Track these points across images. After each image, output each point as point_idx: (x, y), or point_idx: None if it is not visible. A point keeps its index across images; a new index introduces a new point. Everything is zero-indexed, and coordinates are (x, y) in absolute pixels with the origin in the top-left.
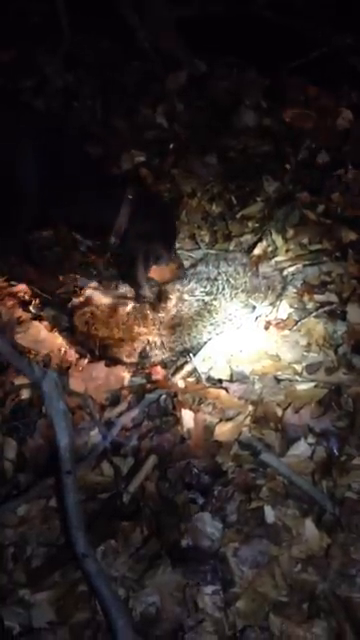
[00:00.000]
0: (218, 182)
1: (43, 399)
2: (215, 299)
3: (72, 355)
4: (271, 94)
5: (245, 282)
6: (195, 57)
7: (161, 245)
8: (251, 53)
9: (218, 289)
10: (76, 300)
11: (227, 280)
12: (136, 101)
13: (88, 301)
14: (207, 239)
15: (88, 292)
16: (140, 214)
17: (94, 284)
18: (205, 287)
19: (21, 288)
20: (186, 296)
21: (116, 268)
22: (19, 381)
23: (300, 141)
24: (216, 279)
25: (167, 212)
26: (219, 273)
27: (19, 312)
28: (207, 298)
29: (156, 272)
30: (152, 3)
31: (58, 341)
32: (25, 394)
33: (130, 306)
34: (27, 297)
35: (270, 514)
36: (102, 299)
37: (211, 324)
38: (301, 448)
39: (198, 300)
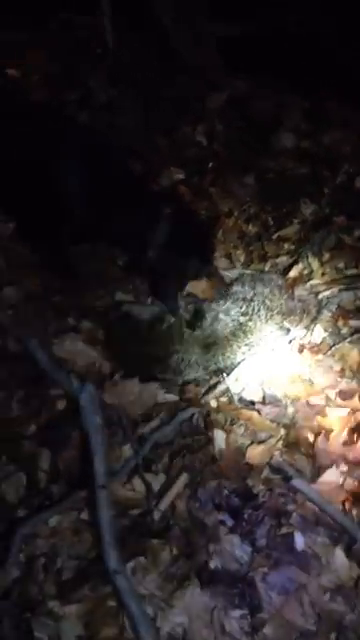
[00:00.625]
0: (255, 202)
1: (80, 412)
2: (250, 320)
3: (107, 369)
4: (310, 116)
5: (280, 304)
6: (236, 77)
7: (199, 260)
8: (292, 74)
9: (254, 310)
10: (113, 314)
11: (263, 301)
12: (177, 119)
13: (125, 316)
14: (243, 259)
15: (125, 307)
16: (178, 229)
17: (131, 299)
18: (241, 307)
19: (60, 300)
20: (222, 315)
21: (150, 283)
22: (55, 392)
23: (338, 165)
24: (252, 300)
25: (204, 228)
26: (255, 294)
27: (57, 323)
28: (242, 319)
29: (196, 288)
30: (194, 21)
31: (94, 354)
32: (60, 405)
33: (167, 323)
34: (65, 309)
35: (300, 541)
36: (139, 314)
37: (245, 345)
38: (332, 476)
39: (233, 320)
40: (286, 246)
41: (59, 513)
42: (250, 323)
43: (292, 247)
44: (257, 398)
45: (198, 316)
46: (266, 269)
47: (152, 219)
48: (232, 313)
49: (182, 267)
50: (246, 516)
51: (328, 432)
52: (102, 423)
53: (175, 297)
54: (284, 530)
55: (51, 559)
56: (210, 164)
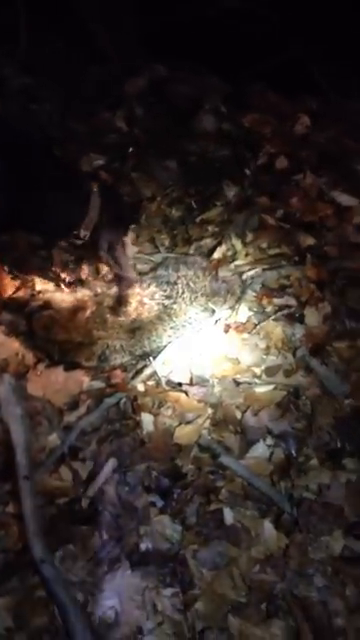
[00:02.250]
0: (178, 186)
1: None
2: (175, 303)
3: (30, 359)
4: (231, 99)
5: (205, 286)
6: (155, 62)
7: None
8: (211, 58)
9: (178, 293)
10: (34, 304)
11: (187, 284)
12: (95, 105)
13: (46, 305)
14: (167, 243)
15: (47, 296)
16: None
17: (52, 287)
18: (165, 291)
19: None
20: (146, 300)
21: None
22: None
23: (259, 146)
24: (176, 283)
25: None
26: (179, 277)
27: None
28: (167, 302)
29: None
30: (113, 6)
31: (15, 345)
32: None
33: (89, 310)
34: None
35: (229, 516)
36: (60, 303)
37: (171, 328)
38: (260, 450)
39: (158, 304)
40: (210, 229)
41: None
42: (175, 306)
43: (216, 229)
44: (185, 380)
45: (121, 301)
46: (190, 252)
47: (80, 199)
48: (156, 297)
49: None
50: (175, 496)
51: (255, 408)
52: (23, 414)
53: (124, 263)
54: (213, 506)
55: None
56: (131, 149)
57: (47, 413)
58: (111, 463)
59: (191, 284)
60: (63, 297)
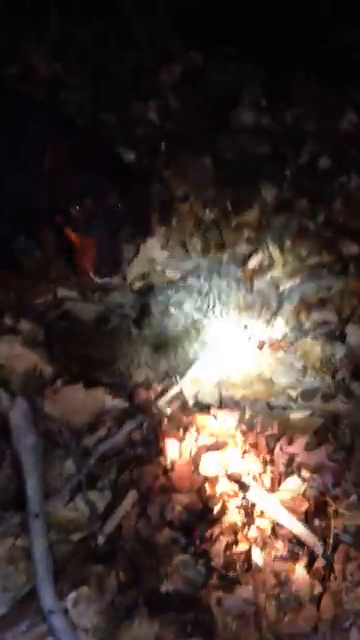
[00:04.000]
0: (212, 186)
1: (11, 431)
2: (205, 316)
3: (48, 373)
4: (271, 91)
5: (238, 299)
6: (191, 47)
7: None
8: (251, 45)
9: (209, 305)
10: (54, 313)
11: (219, 296)
12: (126, 94)
13: (67, 315)
14: (199, 248)
15: (67, 305)
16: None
17: (75, 295)
18: (195, 302)
19: None
20: (173, 311)
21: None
22: None
23: (301, 144)
24: (207, 294)
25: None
26: (211, 288)
27: None
28: (197, 315)
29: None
30: None
31: (34, 358)
32: None
33: (112, 323)
34: (1, 307)
35: (258, 558)
36: (82, 314)
37: (200, 343)
38: (293, 484)
39: (187, 317)
40: (245, 233)
41: None
42: (205, 320)
43: (252, 234)
44: (213, 401)
45: (146, 313)
46: (224, 259)
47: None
48: (185, 309)
49: None
50: (200, 533)
51: (289, 436)
52: (36, 443)
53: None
54: (241, 547)
55: None
56: (163, 144)
57: (64, 435)
58: (131, 496)
59: (224, 296)
60: (84, 307)
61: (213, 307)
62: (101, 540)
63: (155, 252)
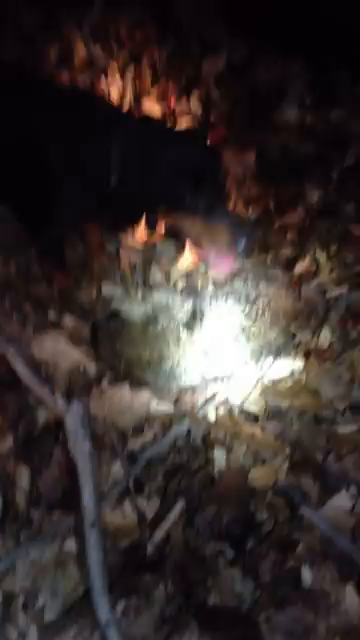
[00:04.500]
0: (255, 184)
1: (67, 437)
2: (254, 324)
3: (93, 372)
4: (316, 88)
5: (287, 307)
6: (236, 38)
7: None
8: (298, 41)
9: (258, 313)
10: (101, 312)
11: (268, 303)
12: (167, 82)
13: (115, 314)
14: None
15: (115, 304)
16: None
17: (119, 293)
18: (244, 309)
19: (40, 289)
20: (223, 317)
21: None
22: (34, 399)
23: (347, 146)
24: (256, 301)
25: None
26: (259, 295)
27: (37, 318)
28: (246, 322)
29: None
30: None
31: (78, 355)
32: (41, 415)
33: (161, 324)
34: (46, 301)
35: (307, 576)
36: (130, 313)
37: (248, 350)
38: (341, 500)
39: (235, 324)
40: (289, 236)
41: (40, 543)
42: (254, 328)
43: (296, 238)
44: (259, 410)
45: (196, 317)
46: (268, 262)
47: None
48: (234, 315)
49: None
50: (248, 547)
51: (338, 452)
52: (92, 451)
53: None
54: (290, 564)
55: (32, 597)
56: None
57: (110, 437)
58: (180, 505)
59: (272, 304)
60: (133, 307)
61: (263, 315)
62: (150, 549)
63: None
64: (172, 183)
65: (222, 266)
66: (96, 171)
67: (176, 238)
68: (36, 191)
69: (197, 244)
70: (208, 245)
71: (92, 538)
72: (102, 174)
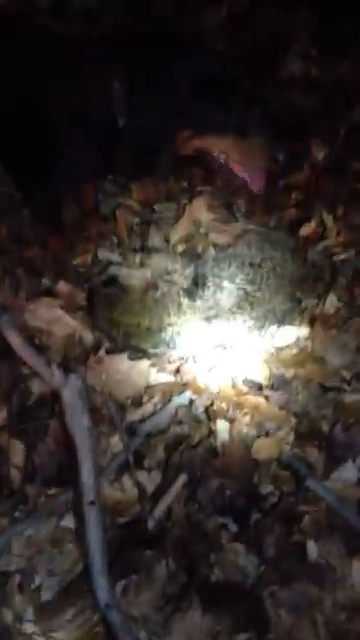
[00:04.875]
0: (258, 141)
1: (64, 410)
2: (259, 290)
3: (89, 341)
4: (322, 40)
5: (293, 271)
6: None
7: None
8: None
9: (262, 278)
10: (97, 277)
11: (273, 268)
12: (164, 47)
13: (112, 280)
14: (244, 209)
15: (112, 269)
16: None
17: (116, 257)
18: (248, 274)
19: (33, 254)
20: (226, 283)
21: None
22: (28, 369)
23: (354, 100)
24: (260, 265)
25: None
26: (263, 259)
27: (30, 284)
28: (249, 287)
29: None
30: None
31: (73, 323)
32: (36, 386)
33: (161, 291)
34: (39, 266)
35: (313, 550)
36: (128, 279)
37: (252, 318)
38: (348, 471)
39: (239, 289)
40: (294, 195)
41: (36, 520)
42: (258, 293)
43: (301, 197)
44: (263, 379)
45: (198, 283)
46: (272, 223)
47: None
48: (237, 280)
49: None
50: (252, 521)
51: (345, 421)
52: (91, 425)
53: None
54: (295, 537)
55: (28, 576)
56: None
57: (109, 409)
58: (181, 479)
59: (278, 268)
60: (131, 273)
61: (267, 280)
62: (151, 524)
63: (201, 214)
64: (194, 100)
65: (258, 180)
66: (99, 115)
67: (205, 164)
68: (32, 145)
69: (232, 162)
70: (245, 162)
71: (91, 516)
72: (107, 117)
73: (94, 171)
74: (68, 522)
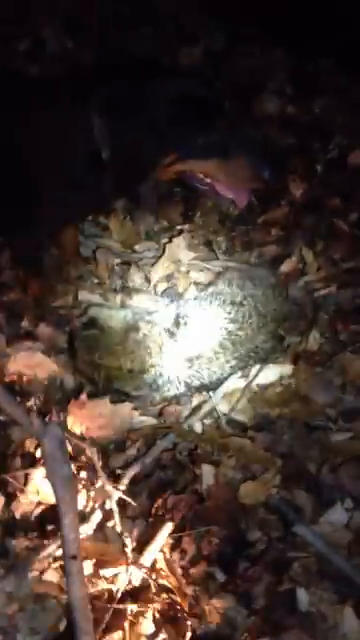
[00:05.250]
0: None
1: (44, 460)
2: (241, 329)
3: (70, 385)
4: (297, 78)
5: (275, 309)
6: (213, 26)
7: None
8: (277, 28)
9: (244, 316)
10: (77, 319)
11: (255, 306)
12: (142, 76)
13: (92, 322)
14: (224, 246)
15: (92, 311)
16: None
17: (97, 298)
18: (229, 313)
19: (12, 298)
20: (207, 322)
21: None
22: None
23: (329, 137)
24: (242, 304)
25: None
26: (245, 297)
27: (9, 328)
28: (231, 326)
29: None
30: None
31: (54, 367)
32: (16, 435)
33: (142, 332)
34: (19, 309)
35: (303, 599)
36: (109, 320)
37: (234, 358)
38: (337, 514)
39: (221, 328)
40: (274, 232)
41: (17, 576)
42: (240, 332)
43: (280, 234)
44: (248, 419)
45: (179, 323)
46: (252, 260)
47: None
48: (219, 319)
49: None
50: (240, 570)
51: (332, 462)
52: (71, 475)
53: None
54: (285, 586)
55: (9, 635)
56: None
57: (91, 456)
58: (167, 527)
59: (260, 307)
60: (112, 313)
61: (249, 319)
62: (135, 577)
63: (181, 252)
64: (175, 124)
65: (243, 198)
66: (80, 153)
67: (188, 186)
68: (11, 192)
69: (216, 183)
70: (230, 182)
71: (73, 572)
72: (87, 154)
73: (76, 212)
74: (51, 576)
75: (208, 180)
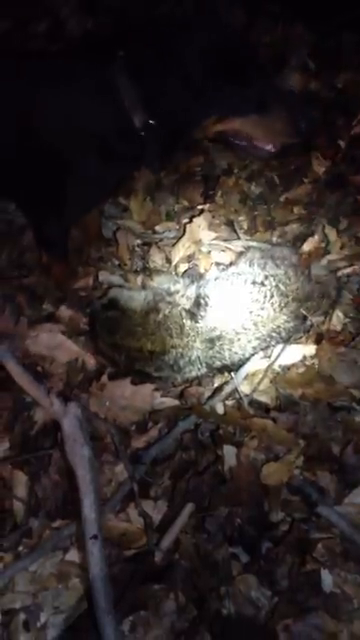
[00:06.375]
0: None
1: (64, 440)
2: (262, 308)
3: (92, 366)
4: (320, 54)
5: (297, 288)
6: (233, 5)
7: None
8: (298, 2)
9: (266, 296)
10: (98, 301)
11: (276, 286)
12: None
13: (112, 304)
14: (245, 226)
15: (113, 292)
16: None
17: (119, 280)
18: (251, 293)
19: (33, 280)
20: (229, 302)
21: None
22: (31, 399)
23: (353, 113)
24: (263, 283)
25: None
26: (266, 277)
27: (31, 310)
28: (253, 307)
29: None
30: None
31: (75, 348)
32: (38, 416)
33: (162, 313)
34: (40, 292)
35: (327, 580)
36: (129, 302)
37: (256, 338)
38: None
39: (242, 309)
40: (296, 210)
41: (40, 555)
42: (262, 312)
43: (303, 212)
44: (270, 400)
45: (200, 303)
46: (274, 239)
47: None
48: (241, 300)
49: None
50: (264, 551)
51: (356, 442)
52: (92, 455)
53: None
54: (308, 567)
55: (33, 613)
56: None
57: (113, 437)
58: (188, 508)
59: (281, 286)
60: (132, 294)
61: (271, 298)
62: (158, 557)
63: (202, 232)
64: (211, 81)
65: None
66: (108, 126)
67: (228, 143)
68: (38, 173)
69: (255, 138)
70: (269, 137)
71: (94, 551)
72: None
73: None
74: (73, 556)
75: (247, 136)
